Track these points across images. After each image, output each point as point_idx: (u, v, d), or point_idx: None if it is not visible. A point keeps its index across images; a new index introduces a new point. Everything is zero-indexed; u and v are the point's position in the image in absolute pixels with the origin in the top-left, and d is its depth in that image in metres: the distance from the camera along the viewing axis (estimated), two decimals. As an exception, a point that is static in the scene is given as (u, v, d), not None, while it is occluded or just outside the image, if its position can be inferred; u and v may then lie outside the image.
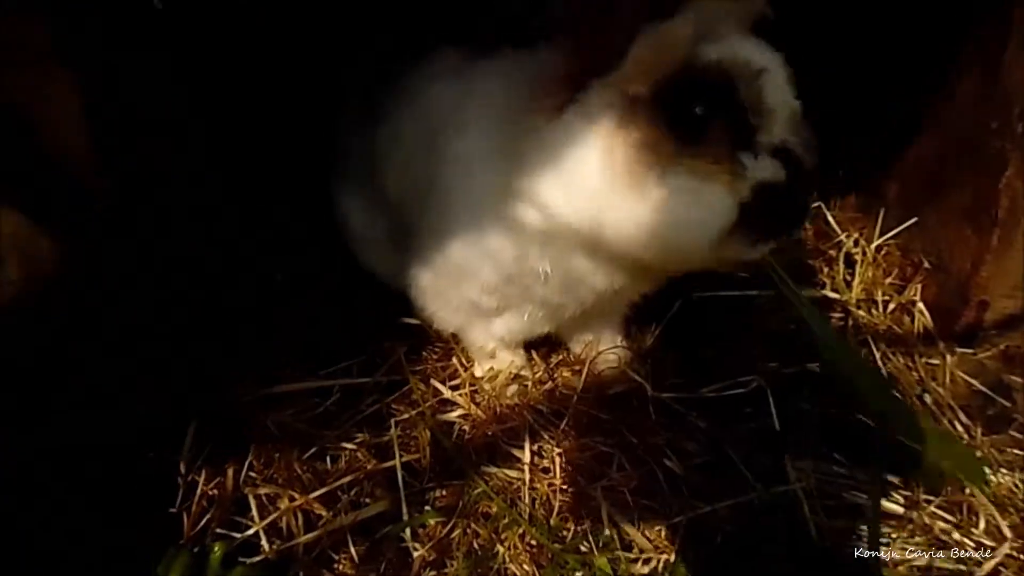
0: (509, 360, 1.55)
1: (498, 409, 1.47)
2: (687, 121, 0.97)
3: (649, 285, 1.37)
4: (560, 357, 1.66)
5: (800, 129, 1.00)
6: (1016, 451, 1.50)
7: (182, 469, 1.35)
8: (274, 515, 1.28)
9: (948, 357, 1.62)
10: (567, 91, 1.05)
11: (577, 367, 1.58)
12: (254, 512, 1.29)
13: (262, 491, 1.32)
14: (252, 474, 1.37)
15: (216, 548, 1.22)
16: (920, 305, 1.71)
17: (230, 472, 1.34)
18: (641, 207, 0.99)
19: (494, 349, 1.53)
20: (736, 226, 0.98)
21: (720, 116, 0.97)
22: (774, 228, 1.01)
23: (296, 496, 1.30)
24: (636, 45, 0.98)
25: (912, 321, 1.71)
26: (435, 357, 1.64)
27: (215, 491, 1.33)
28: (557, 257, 1.21)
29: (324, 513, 1.29)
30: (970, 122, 1.57)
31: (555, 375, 1.59)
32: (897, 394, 1.53)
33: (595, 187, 1.02)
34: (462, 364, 1.60)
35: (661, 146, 0.98)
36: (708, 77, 0.97)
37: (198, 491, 1.32)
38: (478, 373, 1.57)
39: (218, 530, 1.27)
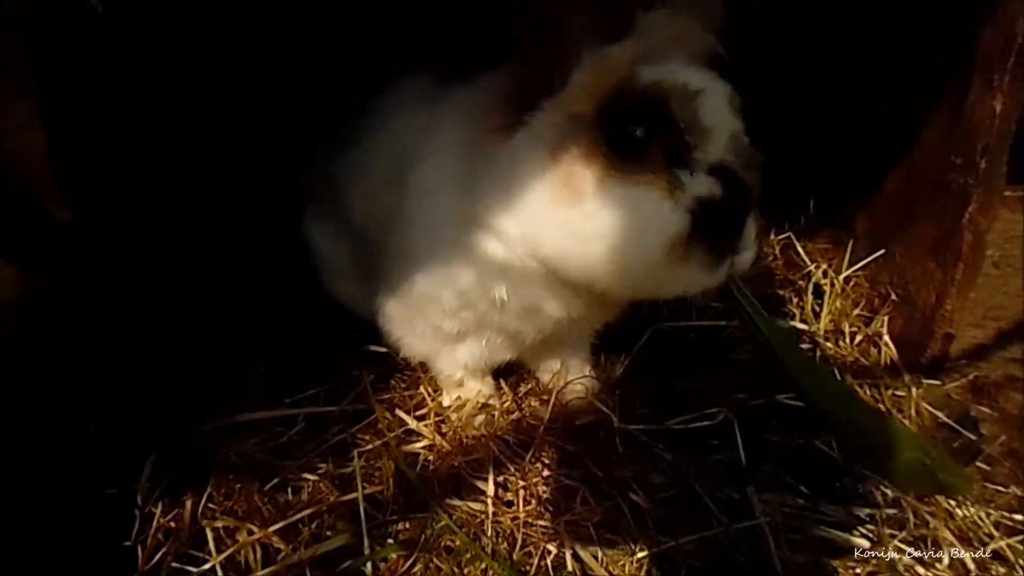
0: (477, 389, 1.54)
1: (464, 440, 1.46)
2: (626, 139, 1.00)
3: (607, 314, 1.38)
4: (529, 387, 1.65)
5: (740, 148, 1.02)
6: (985, 484, 1.50)
7: (139, 500, 1.32)
8: (232, 549, 1.26)
9: (914, 389, 1.63)
10: (516, 112, 1.08)
11: (545, 397, 1.57)
12: (211, 546, 1.26)
13: (220, 524, 1.29)
14: (212, 506, 1.34)
15: (171, 583, 1.20)
16: (886, 338, 1.72)
17: (188, 504, 1.32)
18: (579, 219, 1.01)
19: (462, 378, 1.52)
20: (688, 241, 0.99)
21: (658, 135, 0.99)
22: (714, 244, 1.01)
23: (255, 529, 1.27)
24: (579, 67, 1.02)
25: (879, 353, 1.72)
26: (403, 386, 1.63)
27: (172, 523, 1.30)
28: (514, 285, 1.21)
29: (283, 547, 1.26)
30: (936, 159, 1.60)
31: (523, 405, 1.58)
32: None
33: (539, 206, 1.05)
34: (429, 393, 1.59)
35: (601, 163, 1.00)
36: (645, 97, 1.00)
37: (154, 523, 1.29)
38: (446, 402, 1.56)
39: (174, 564, 1.24)
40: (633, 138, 1.00)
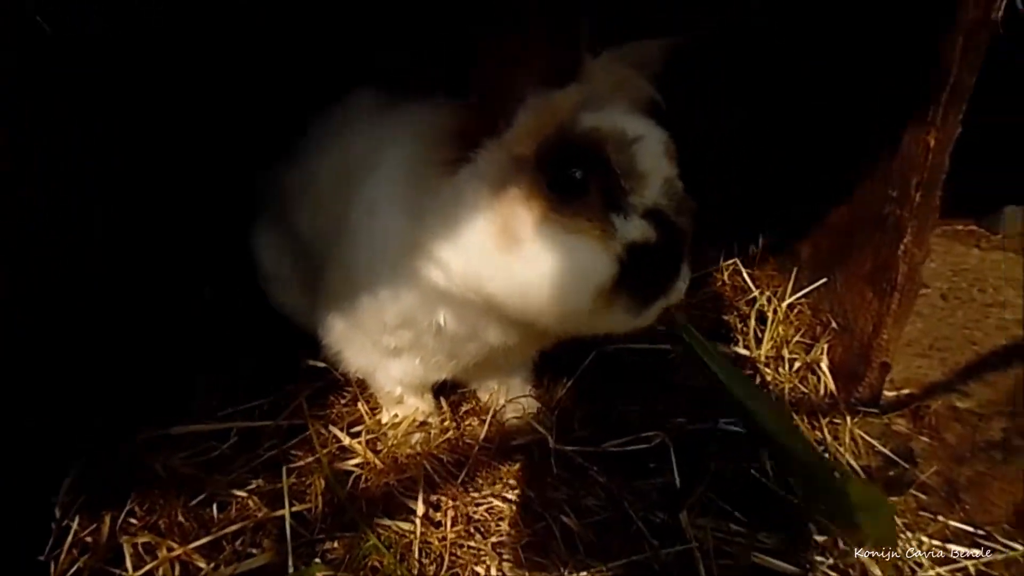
0: (415, 407, 1.52)
1: (398, 458, 1.44)
2: (565, 182, 1.02)
3: (545, 342, 1.39)
4: (470, 406, 1.64)
5: (674, 193, 1.05)
6: (920, 512, 1.51)
7: (57, 513, 1.28)
8: (150, 565, 1.22)
9: (849, 418, 1.64)
10: (461, 149, 1.09)
11: (484, 417, 1.55)
12: (128, 562, 1.23)
13: (140, 539, 1.26)
14: (133, 520, 1.31)
15: (81, 601, 1.16)
16: (823, 366, 1.74)
17: (108, 518, 1.28)
18: (518, 262, 1.02)
19: (401, 395, 1.51)
20: (615, 287, 1.01)
21: (596, 179, 1.02)
22: (648, 287, 1.04)
23: (175, 546, 1.24)
24: (523, 110, 1.04)
25: (818, 380, 1.74)
26: (342, 402, 1.61)
27: (90, 538, 1.27)
28: (455, 311, 1.22)
29: (204, 565, 1.23)
30: (874, 191, 1.63)
31: (462, 424, 1.57)
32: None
33: (480, 244, 1.06)
34: (367, 412, 1.57)
35: (540, 204, 1.02)
36: (583, 142, 1.02)
37: (71, 537, 1.26)
38: (384, 419, 1.54)
39: (89, 580, 1.21)
40: (572, 180, 1.02)
